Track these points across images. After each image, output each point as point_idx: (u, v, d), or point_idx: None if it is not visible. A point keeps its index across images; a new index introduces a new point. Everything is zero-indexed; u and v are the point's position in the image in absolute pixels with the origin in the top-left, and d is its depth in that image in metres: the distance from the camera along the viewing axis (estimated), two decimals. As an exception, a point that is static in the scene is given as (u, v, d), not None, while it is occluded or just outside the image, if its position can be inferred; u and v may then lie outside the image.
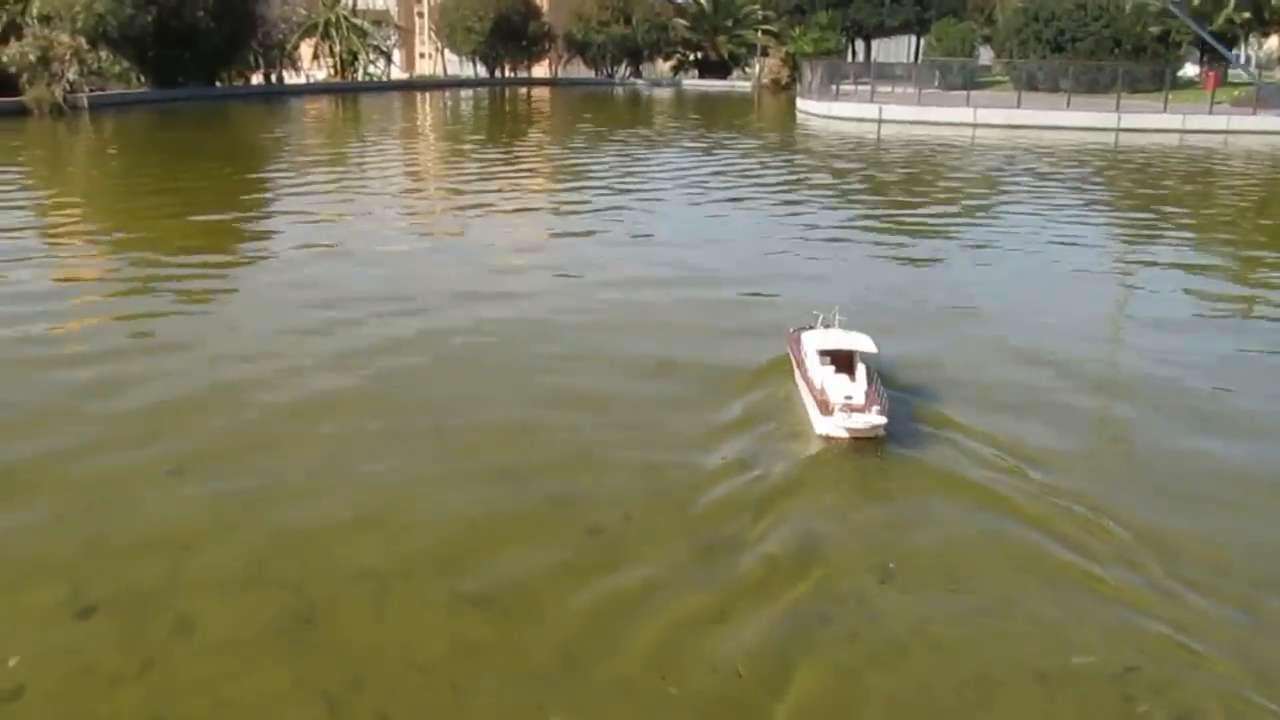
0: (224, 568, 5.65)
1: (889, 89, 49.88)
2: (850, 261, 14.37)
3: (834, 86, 48.65)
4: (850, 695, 4.73)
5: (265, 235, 15.67)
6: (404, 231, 16.16)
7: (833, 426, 7.23)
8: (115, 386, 8.31)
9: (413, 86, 72.72)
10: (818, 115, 45.01)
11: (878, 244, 15.68)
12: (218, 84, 53.27)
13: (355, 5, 68.00)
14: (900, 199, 20.67)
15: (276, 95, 56.07)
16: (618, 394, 8.46)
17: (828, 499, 6.65)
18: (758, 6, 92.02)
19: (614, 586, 5.53)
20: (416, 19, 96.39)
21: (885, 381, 8.09)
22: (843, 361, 7.89)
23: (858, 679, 4.83)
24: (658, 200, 19.53)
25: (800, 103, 50.44)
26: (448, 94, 66.77)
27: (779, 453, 7.21)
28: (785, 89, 73.02)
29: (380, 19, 75.21)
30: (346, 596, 5.39)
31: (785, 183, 22.73)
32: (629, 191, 20.47)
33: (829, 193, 21.36)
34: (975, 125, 39.80)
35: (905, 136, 35.73)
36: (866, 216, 18.11)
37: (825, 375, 7.69)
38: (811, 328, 8.54)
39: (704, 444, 7.30)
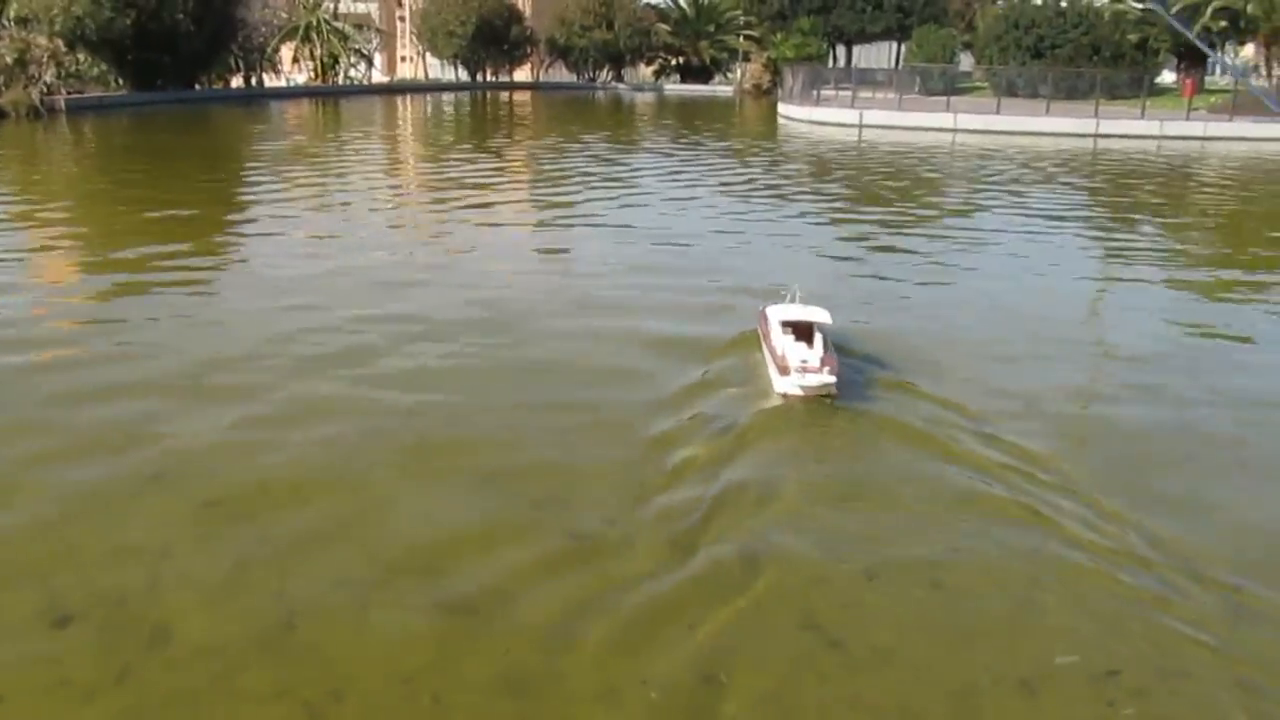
0: (203, 575, 5.60)
1: (870, 94, 50.09)
2: (822, 259, 14.47)
3: (815, 91, 48.89)
4: (799, 678, 4.73)
5: (243, 239, 15.59)
6: (385, 235, 16.09)
7: (790, 385, 8.24)
8: (92, 393, 8.23)
9: (394, 90, 72.68)
10: (799, 120, 45.18)
11: (852, 243, 15.78)
12: (197, 87, 53.02)
13: (336, 9, 67.81)
14: (877, 201, 20.76)
15: (256, 98, 55.81)
16: (605, 366, 9.06)
17: (782, 448, 7.46)
18: (740, 12, 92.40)
19: (591, 574, 5.53)
20: (398, 23, 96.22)
21: (842, 350, 9.03)
22: (803, 332, 8.96)
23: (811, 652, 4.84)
24: (638, 200, 19.62)
25: (782, 107, 50.63)
26: (429, 98, 66.67)
27: (741, 408, 8.10)
28: (767, 94, 73.36)
29: (362, 23, 75.02)
30: (328, 604, 5.36)
31: (765, 184, 22.78)
32: (610, 193, 20.49)
33: (808, 194, 21.46)
34: (955, 130, 40.05)
35: (886, 141, 35.90)
36: (842, 217, 18.21)
37: (786, 343, 8.70)
38: (768, 302, 9.70)
39: (676, 403, 8.18)
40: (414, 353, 9.37)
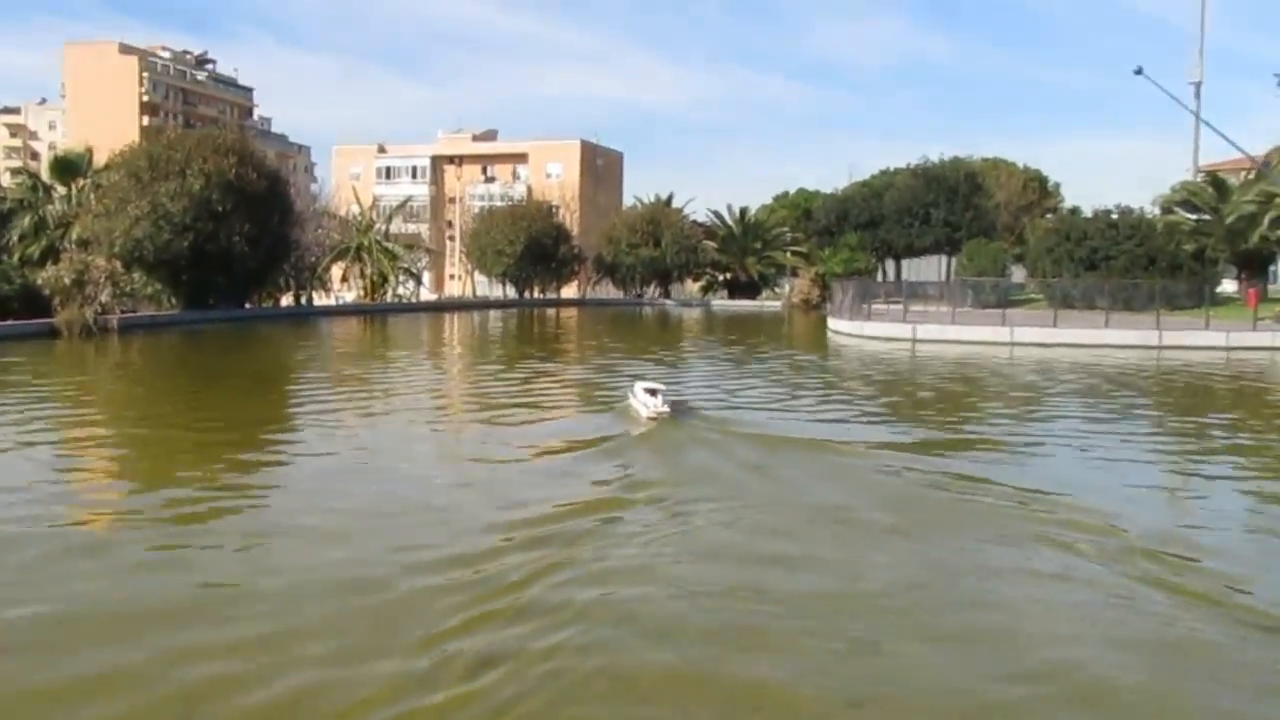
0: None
1: (922, 308, 50.78)
2: (882, 476, 14.09)
3: (865, 305, 49.63)
4: None
5: (286, 462, 15.64)
6: (430, 457, 16.11)
7: (651, 413, 17.35)
8: (107, 626, 8.01)
9: (442, 308, 75.04)
10: (849, 334, 45.65)
11: (909, 455, 15.46)
12: (248, 305, 55.10)
13: (388, 230, 71.09)
14: (937, 415, 20.52)
15: (306, 316, 57.84)
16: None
17: (650, 445, 15.84)
18: (786, 229, 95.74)
19: None
20: (447, 242, 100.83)
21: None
22: (651, 391, 18.24)
23: None
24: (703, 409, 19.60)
25: (831, 322, 51.33)
26: (476, 315, 68.59)
27: (628, 427, 17.26)
28: (815, 308, 74.79)
29: (412, 242, 78.55)
30: None
31: (816, 399, 22.69)
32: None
33: (862, 409, 21.28)
34: (1012, 344, 40.16)
35: (940, 356, 35.99)
36: (900, 430, 17.93)
37: (646, 396, 18.02)
38: (634, 381, 20.05)
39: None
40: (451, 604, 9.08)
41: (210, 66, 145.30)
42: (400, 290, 72.10)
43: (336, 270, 70.09)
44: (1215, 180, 63.32)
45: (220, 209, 46.49)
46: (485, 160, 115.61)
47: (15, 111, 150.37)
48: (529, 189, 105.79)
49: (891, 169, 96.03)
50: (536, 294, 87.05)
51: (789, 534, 10.84)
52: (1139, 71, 61.00)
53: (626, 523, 11.17)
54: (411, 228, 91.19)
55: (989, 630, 8.16)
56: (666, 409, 17.25)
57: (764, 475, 14.06)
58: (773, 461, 15.02)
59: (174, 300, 49.50)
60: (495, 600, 8.44)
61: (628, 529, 10.88)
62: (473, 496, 12.81)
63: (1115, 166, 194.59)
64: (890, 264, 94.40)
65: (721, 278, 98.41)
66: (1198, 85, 72.07)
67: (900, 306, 48.67)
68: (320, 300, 69.53)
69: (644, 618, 8.22)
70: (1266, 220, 56.57)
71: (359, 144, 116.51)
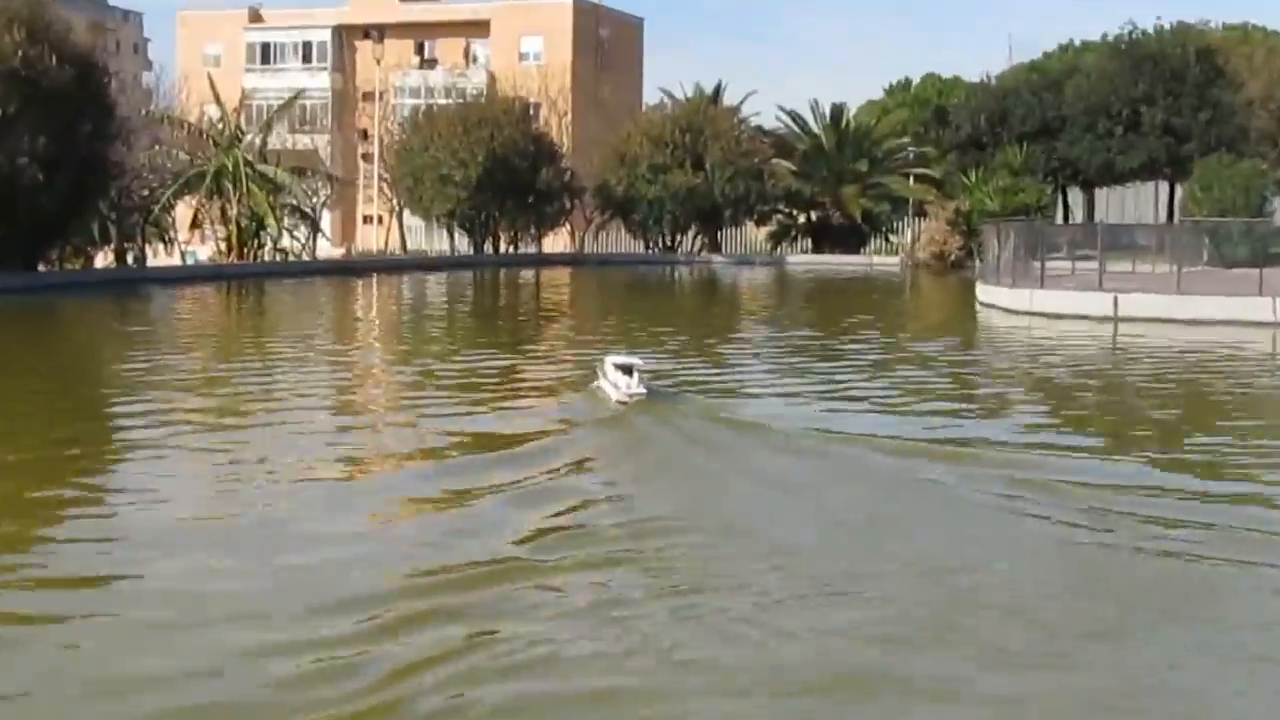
0: None
1: (1128, 267, 50.28)
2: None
3: (1036, 264, 49.20)
4: None
5: (89, 504, 15.48)
6: (295, 473, 15.99)
7: (621, 396, 20.58)
8: None
9: (352, 270, 74.76)
10: (1010, 309, 45.38)
11: (1100, 476, 15.18)
12: (42, 268, 55.07)
13: (264, 145, 70.68)
14: (1165, 450, 20.13)
15: (134, 284, 57.62)
16: None
17: (619, 429, 19.60)
18: (907, 141, 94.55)
19: None
20: (361, 164, 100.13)
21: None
22: (625, 369, 21.07)
23: None
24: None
25: (981, 289, 50.99)
26: (406, 280, 68.37)
27: (598, 408, 21.10)
28: (956, 267, 74.38)
29: (305, 165, 77.93)
30: None
31: (952, 423, 22.38)
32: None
33: (1044, 445, 20.91)
34: (1276, 325, 39.59)
35: (1159, 345, 35.53)
36: (1079, 441, 17.59)
37: (618, 375, 21.05)
38: (604, 357, 22.58)
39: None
40: None
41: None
42: (286, 242, 71.94)
43: (184, 211, 70.03)
44: None
45: (-1, 114, 46.59)
46: (421, 32, 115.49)
47: None
48: (491, 78, 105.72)
49: (1078, 44, 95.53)
50: (504, 247, 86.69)
51: (877, 638, 9.97)
52: None
53: (550, 598, 10.78)
54: (304, 141, 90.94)
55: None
56: (643, 390, 20.52)
57: (813, 506, 13.93)
58: (824, 482, 14.96)
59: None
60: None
61: (546, 616, 10.24)
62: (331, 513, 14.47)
63: None
64: (1077, 196, 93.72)
65: (803, 219, 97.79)
66: None
67: (1094, 265, 48.15)
68: (159, 260, 69.56)
69: None
70: None
71: (219, 9, 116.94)
